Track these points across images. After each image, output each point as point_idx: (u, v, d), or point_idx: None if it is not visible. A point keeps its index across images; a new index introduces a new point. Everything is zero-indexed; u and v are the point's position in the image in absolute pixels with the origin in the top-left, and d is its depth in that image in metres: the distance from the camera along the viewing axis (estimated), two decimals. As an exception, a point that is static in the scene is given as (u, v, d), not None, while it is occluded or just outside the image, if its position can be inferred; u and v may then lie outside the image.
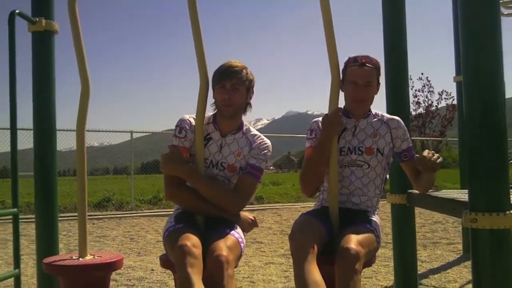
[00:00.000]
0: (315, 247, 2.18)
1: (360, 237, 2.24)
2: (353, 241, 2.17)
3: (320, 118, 2.59)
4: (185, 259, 2.05)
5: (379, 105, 2.77)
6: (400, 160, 2.67)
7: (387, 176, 2.68)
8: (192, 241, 2.14)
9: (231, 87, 2.42)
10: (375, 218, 2.54)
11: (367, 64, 2.50)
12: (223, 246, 2.17)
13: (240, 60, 2.54)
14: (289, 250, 2.31)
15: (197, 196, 2.43)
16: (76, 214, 2.68)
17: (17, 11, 2.80)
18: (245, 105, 2.55)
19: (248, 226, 2.56)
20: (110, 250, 6.41)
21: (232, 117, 2.50)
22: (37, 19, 2.98)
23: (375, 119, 2.63)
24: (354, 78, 2.51)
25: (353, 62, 2.53)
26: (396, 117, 2.67)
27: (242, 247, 2.37)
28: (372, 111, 2.65)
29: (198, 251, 2.12)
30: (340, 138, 2.57)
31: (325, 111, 2.52)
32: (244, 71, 2.45)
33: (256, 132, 2.62)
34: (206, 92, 2.50)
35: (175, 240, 2.18)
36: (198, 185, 2.42)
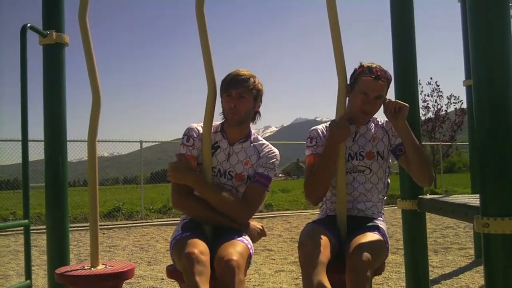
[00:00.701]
0: (324, 256, 2.16)
1: (370, 244, 2.23)
2: (363, 248, 2.16)
3: (320, 126, 2.61)
4: (193, 267, 2.04)
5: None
6: (396, 156, 2.64)
7: (389, 181, 2.68)
8: (199, 248, 2.13)
9: (237, 95, 2.42)
10: (381, 224, 2.53)
11: (382, 78, 2.48)
12: (233, 251, 2.16)
13: (248, 68, 2.55)
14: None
15: (204, 205, 2.42)
16: (86, 224, 2.71)
17: (28, 24, 2.83)
18: (254, 114, 2.55)
19: (257, 236, 2.55)
20: (121, 260, 6.44)
21: (239, 126, 2.50)
22: (48, 32, 3.02)
23: (373, 124, 2.66)
24: (366, 89, 2.48)
25: (368, 72, 2.49)
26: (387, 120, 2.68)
27: (251, 254, 2.36)
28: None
29: (206, 258, 2.11)
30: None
31: (334, 117, 2.52)
32: (251, 79, 2.45)
33: (264, 141, 2.62)
34: (214, 100, 2.51)
35: (182, 248, 2.17)
36: (206, 194, 2.41)
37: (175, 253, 2.29)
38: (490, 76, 2.04)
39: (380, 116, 2.69)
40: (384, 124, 2.66)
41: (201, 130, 2.51)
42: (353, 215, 2.54)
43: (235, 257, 2.11)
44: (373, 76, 2.47)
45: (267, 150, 2.57)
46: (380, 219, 2.57)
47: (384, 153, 2.60)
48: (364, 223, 2.48)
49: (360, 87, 2.49)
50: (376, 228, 2.43)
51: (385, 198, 2.66)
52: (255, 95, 2.48)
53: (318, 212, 2.76)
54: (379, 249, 2.29)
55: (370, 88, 2.47)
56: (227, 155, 2.52)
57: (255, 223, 2.56)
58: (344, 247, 2.33)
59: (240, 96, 2.42)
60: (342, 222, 2.47)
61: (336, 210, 2.51)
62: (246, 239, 2.39)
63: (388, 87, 2.55)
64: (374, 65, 2.52)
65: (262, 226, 2.60)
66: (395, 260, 5.66)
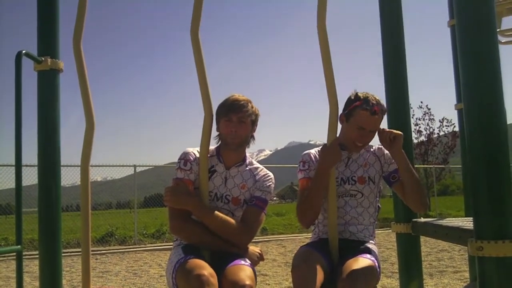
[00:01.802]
0: (318, 279, 2.17)
1: (361, 269, 2.23)
2: (354, 273, 2.17)
3: (312, 150, 2.65)
4: None
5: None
6: (389, 183, 2.68)
7: (379, 205, 2.72)
8: (209, 271, 2.13)
9: (237, 120, 2.46)
10: (373, 247, 2.55)
11: (377, 114, 2.52)
12: (245, 276, 2.16)
13: (240, 92, 2.59)
14: (295, 282, 2.29)
15: (203, 230, 2.41)
16: (79, 250, 2.68)
17: (23, 51, 2.85)
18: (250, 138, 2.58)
19: (256, 260, 2.54)
20: (114, 286, 6.34)
21: (237, 150, 2.52)
22: (43, 59, 3.04)
23: (365, 150, 2.70)
24: (362, 124, 2.52)
25: (365, 105, 2.51)
26: (380, 146, 2.72)
27: (256, 279, 2.35)
28: None
29: (215, 281, 2.10)
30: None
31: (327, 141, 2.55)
32: (249, 104, 2.50)
33: (259, 165, 2.65)
34: (211, 125, 2.53)
35: (189, 271, 2.14)
36: (206, 218, 2.40)
37: (181, 276, 2.22)
38: (480, 100, 2.07)
39: (373, 142, 2.73)
40: (376, 151, 2.71)
41: (197, 155, 2.51)
42: (345, 238, 2.56)
43: (248, 282, 2.13)
44: (370, 111, 2.50)
45: (263, 173, 2.60)
46: (371, 242, 2.59)
47: (375, 178, 2.65)
48: (356, 246, 2.49)
49: (356, 121, 2.53)
50: (368, 252, 2.45)
51: (376, 222, 2.70)
52: (253, 119, 2.53)
53: (311, 235, 2.77)
54: (371, 273, 2.30)
55: (366, 122, 2.51)
56: (223, 179, 2.53)
57: (253, 248, 2.56)
58: (336, 271, 2.33)
59: (240, 121, 2.46)
60: (334, 246, 2.49)
61: (328, 234, 2.52)
62: (250, 264, 2.38)
63: (383, 118, 2.59)
64: (369, 97, 2.54)
65: (260, 251, 2.60)
66: (391, 284, 5.63)
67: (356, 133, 2.54)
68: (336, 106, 2.50)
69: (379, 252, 2.60)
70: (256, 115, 2.55)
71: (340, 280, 2.16)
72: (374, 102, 2.52)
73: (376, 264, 2.40)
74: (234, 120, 2.46)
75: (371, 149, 2.72)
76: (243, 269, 2.23)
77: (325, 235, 2.60)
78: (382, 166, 2.67)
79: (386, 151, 2.67)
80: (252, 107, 2.52)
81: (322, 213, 2.61)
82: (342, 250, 2.47)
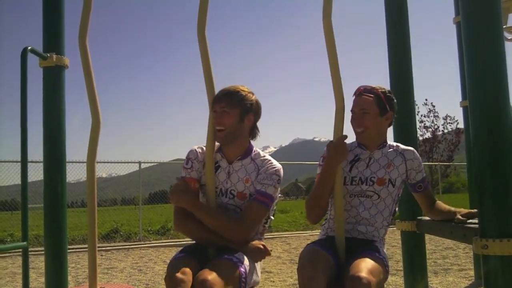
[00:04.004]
0: (325, 278, 2.14)
1: (370, 266, 2.18)
2: (364, 269, 2.12)
3: None
4: None
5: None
6: (414, 191, 2.67)
7: (396, 209, 2.64)
8: (184, 271, 2.14)
9: (220, 110, 2.41)
10: (381, 246, 2.51)
11: (364, 94, 2.54)
12: (207, 273, 2.12)
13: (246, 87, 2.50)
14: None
15: (203, 227, 2.39)
16: (84, 246, 2.69)
17: (29, 47, 2.86)
18: (251, 129, 2.52)
19: (258, 255, 2.44)
20: (119, 282, 6.37)
21: (229, 142, 2.46)
22: (48, 55, 3.05)
23: (390, 150, 2.63)
24: (352, 108, 2.57)
25: (354, 93, 2.60)
26: (411, 148, 2.66)
27: (242, 273, 2.26)
28: (388, 142, 2.65)
29: (186, 280, 2.11)
30: (353, 168, 2.58)
31: (332, 137, 2.50)
32: (239, 93, 2.42)
33: (267, 156, 2.53)
34: None
35: (168, 270, 2.20)
36: (201, 216, 2.39)
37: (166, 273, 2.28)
38: (486, 97, 2.07)
39: (390, 137, 2.72)
40: (404, 152, 2.62)
41: (200, 152, 2.51)
42: (353, 236, 2.53)
43: (210, 277, 2.09)
44: (356, 94, 2.58)
45: (267, 165, 2.47)
46: (380, 243, 2.54)
47: (396, 182, 2.56)
48: (364, 245, 2.45)
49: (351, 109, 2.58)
50: (376, 250, 2.40)
51: (389, 225, 2.61)
52: (244, 109, 2.43)
53: (320, 231, 2.74)
54: (379, 272, 2.25)
55: (354, 104, 2.57)
56: (227, 174, 2.50)
57: (256, 242, 2.46)
58: (343, 269, 2.31)
59: (223, 111, 2.40)
60: (340, 245, 2.44)
61: (335, 232, 2.49)
62: (236, 257, 2.32)
63: (380, 102, 2.54)
64: (362, 86, 2.61)
65: (263, 245, 2.47)
66: (395, 282, 5.62)
67: (351, 120, 2.57)
68: (342, 103, 2.45)
69: (386, 251, 2.56)
70: (249, 104, 2.45)
71: (347, 279, 2.12)
72: (362, 86, 2.59)
73: (384, 262, 2.37)
74: (218, 111, 2.41)
75: (399, 150, 2.63)
76: (216, 265, 2.21)
77: (333, 232, 2.55)
78: (407, 170, 2.59)
79: (415, 157, 2.60)
80: (242, 95, 2.43)
81: (333, 209, 2.55)
82: (350, 248, 2.43)
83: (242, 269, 2.27)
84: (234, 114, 2.40)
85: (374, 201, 2.54)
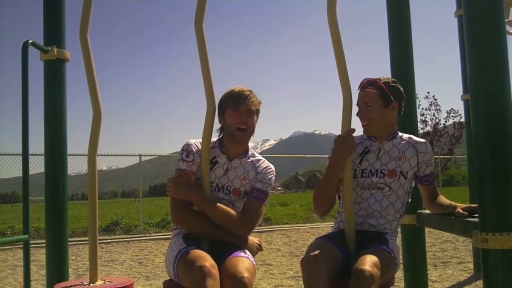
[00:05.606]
0: (328, 272, 2.13)
1: (376, 258, 2.16)
2: (368, 262, 2.10)
3: None
4: (205, 281, 2.05)
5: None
6: (420, 183, 2.66)
7: (409, 200, 2.62)
8: (210, 262, 2.15)
9: (245, 111, 2.48)
10: (392, 239, 2.47)
11: (367, 87, 2.55)
12: (243, 269, 2.16)
13: (246, 82, 2.59)
14: (298, 272, 2.28)
15: (204, 220, 2.42)
16: (84, 238, 2.70)
17: (30, 41, 2.86)
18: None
19: (256, 251, 2.56)
20: (119, 275, 6.40)
21: (246, 142, 2.56)
22: (49, 48, 3.04)
23: (403, 141, 2.61)
24: (357, 101, 2.58)
25: (359, 86, 2.60)
26: (424, 140, 2.64)
27: (255, 267, 2.36)
28: (399, 133, 2.64)
29: (216, 272, 2.12)
30: (363, 160, 2.57)
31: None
32: (254, 96, 2.53)
33: (260, 157, 2.67)
34: (213, 116, 2.53)
35: (192, 261, 2.16)
36: (207, 209, 2.41)
37: (183, 266, 2.24)
38: (487, 91, 2.06)
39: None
40: (417, 146, 2.59)
41: (199, 146, 2.52)
42: (364, 229, 2.51)
43: (246, 274, 2.13)
44: (360, 87, 2.59)
45: (264, 166, 2.61)
46: (392, 235, 2.52)
47: (408, 174, 2.55)
48: (373, 238, 2.44)
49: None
50: (385, 243, 2.39)
51: (401, 217, 2.59)
52: (258, 110, 2.56)
53: (321, 225, 2.74)
54: (386, 264, 2.24)
55: (358, 98, 2.58)
56: (225, 170, 2.54)
57: (253, 238, 2.57)
58: (352, 262, 2.27)
59: (248, 111, 2.48)
60: (350, 238, 2.43)
61: (345, 225, 2.48)
62: (249, 256, 2.40)
63: (383, 94, 2.53)
64: (366, 78, 2.61)
65: (259, 241, 2.61)
66: (395, 274, 5.65)
67: (357, 113, 2.57)
68: (349, 95, 2.44)
69: (399, 248, 2.52)
70: (259, 106, 2.58)
71: (353, 270, 2.11)
72: (366, 79, 2.59)
73: (393, 255, 2.35)
74: (243, 110, 2.47)
75: (411, 142, 2.62)
76: (242, 261, 2.25)
77: (344, 225, 2.56)
78: (418, 163, 2.57)
79: (427, 151, 2.58)
80: (256, 98, 2.54)
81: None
82: (360, 242, 2.41)
83: (255, 268, 2.37)
84: (255, 115, 2.54)
85: (386, 193, 2.53)
